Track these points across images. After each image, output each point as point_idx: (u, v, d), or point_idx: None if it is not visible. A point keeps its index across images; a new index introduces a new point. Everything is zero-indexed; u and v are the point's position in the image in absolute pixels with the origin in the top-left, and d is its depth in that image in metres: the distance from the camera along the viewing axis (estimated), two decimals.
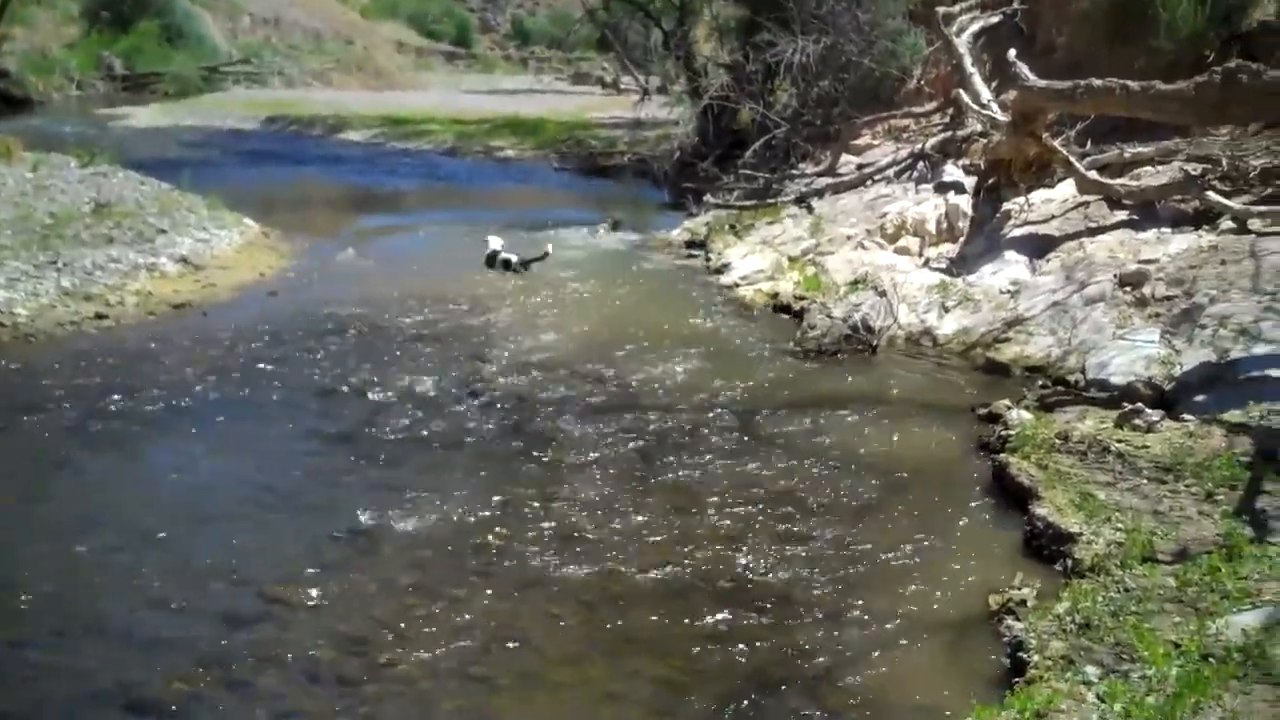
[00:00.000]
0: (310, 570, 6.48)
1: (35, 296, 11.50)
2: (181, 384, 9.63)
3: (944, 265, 12.48)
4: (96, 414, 8.89)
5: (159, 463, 8.19)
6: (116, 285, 12.18)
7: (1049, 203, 12.74)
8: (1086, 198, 12.37)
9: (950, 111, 17.14)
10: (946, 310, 11.31)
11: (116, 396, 9.23)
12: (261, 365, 10.23)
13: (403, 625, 5.92)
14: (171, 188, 16.76)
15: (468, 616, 6.03)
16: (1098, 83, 11.31)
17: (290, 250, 15.28)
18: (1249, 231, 10.63)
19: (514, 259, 14.35)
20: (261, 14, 58.33)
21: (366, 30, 63.58)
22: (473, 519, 7.17)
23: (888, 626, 5.92)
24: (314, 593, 6.21)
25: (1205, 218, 11.20)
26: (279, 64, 52.32)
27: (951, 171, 14.79)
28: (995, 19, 17.42)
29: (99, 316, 11.44)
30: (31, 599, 6.12)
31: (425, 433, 8.65)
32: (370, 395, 9.47)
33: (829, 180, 16.91)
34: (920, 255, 13.15)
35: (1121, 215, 11.90)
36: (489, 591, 6.29)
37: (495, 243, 14.69)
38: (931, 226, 13.58)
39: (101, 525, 7.09)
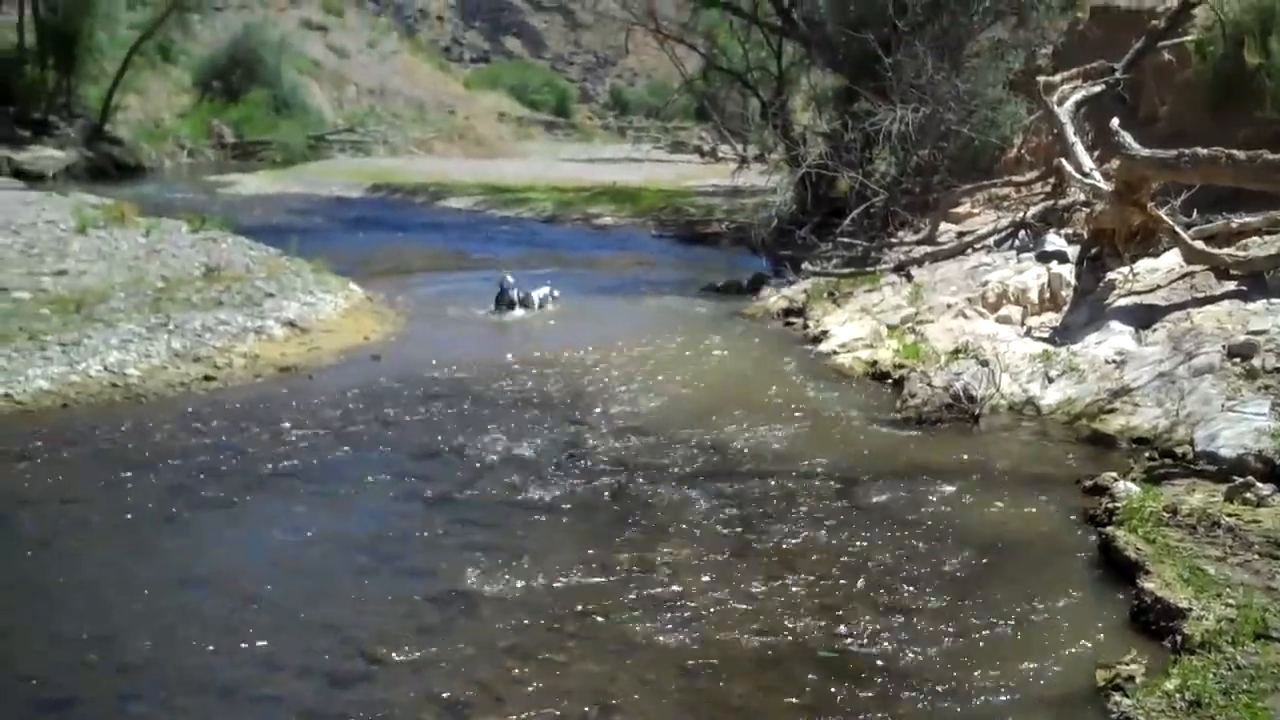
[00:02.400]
0: (411, 631, 6.53)
1: (147, 358, 11.78)
2: (286, 445, 9.80)
3: (1047, 334, 12.35)
4: (203, 473, 9.07)
5: (263, 522, 8.32)
6: (225, 347, 12.44)
7: (1154, 272, 12.57)
8: (1193, 268, 12.19)
9: (1052, 180, 17.02)
10: (1050, 380, 11.17)
11: (223, 456, 9.42)
12: (364, 427, 10.38)
13: (501, 688, 5.93)
14: (279, 253, 17.12)
15: (565, 681, 6.02)
16: (1203, 152, 11.19)
17: (394, 315, 15.51)
18: None
19: (525, 295, 15.67)
20: (367, 84, 59.71)
21: (468, 100, 64.78)
22: (571, 583, 7.18)
23: (992, 700, 5.81)
24: (415, 654, 6.25)
25: None
26: (383, 133, 53.43)
27: (1054, 240, 14.65)
28: (1097, 88, 17.28)
29: (208, 378, 11.68)
30: (136, 654, 6.22)
31: (524, 496, 8.70)
32: (470, 458, 9.56)
33: (928, 248, 16.84)
34: (1022, 324, 13.02)
35: (1229, 285, 11.70)
36: (586, 656, 6.28)
37: (508, 282, 15.82)
38: (1034, 295, 13.46)
39: (205, 582, 7.22)
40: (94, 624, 6.56)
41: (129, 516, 8.19)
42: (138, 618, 6.65)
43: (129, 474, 8.94)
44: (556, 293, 16.66)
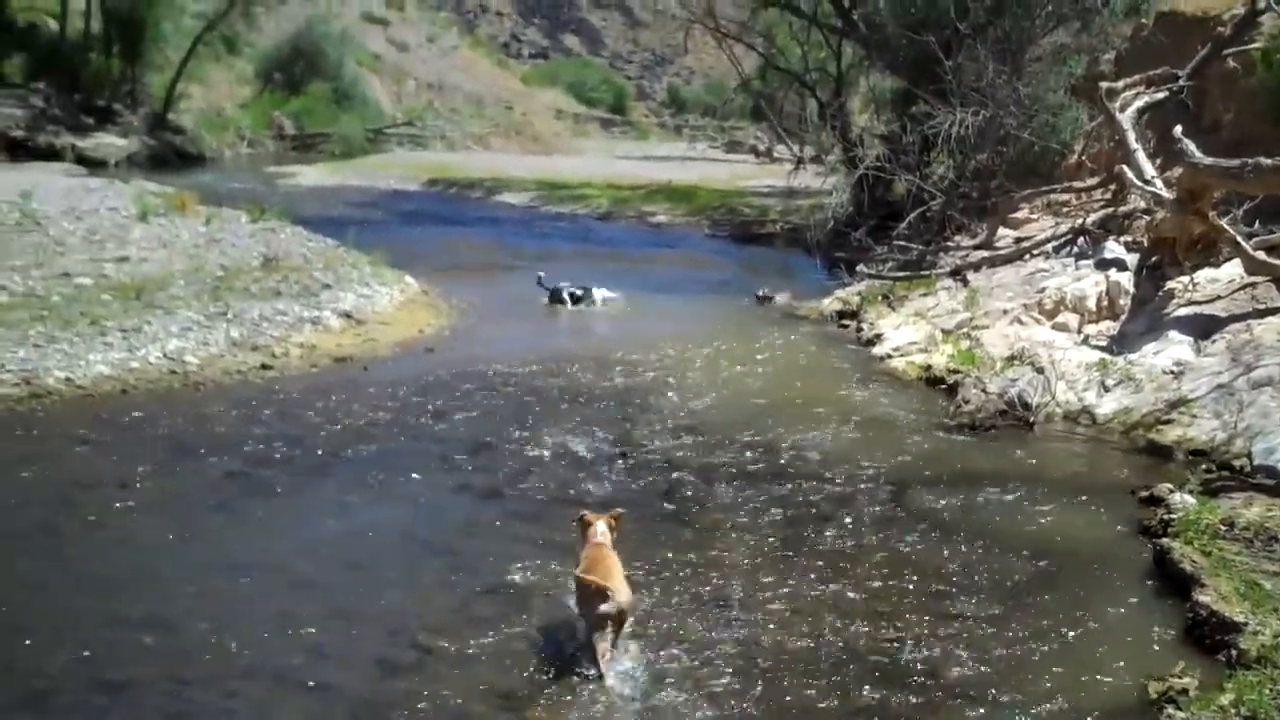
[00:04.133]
0: (461, 622, 6.58)
1: (205, 346, 11.91)
2: (340, 435, 9.88)
3: (1104, 343, 12.25)
4: (258, 461, 9.17)
5: (316, 510, 8.39)
6: (282, 337, 12.56)
7: (1214, 283, 12.44)
8: (1254, 279, 12.05)
9: (1112, 187, 16.86)
10: (1106, 389, 11.07)
11: (278, 445, 9.51)
12: (418, 419, 10.45)
13: (552, 684, 5.95)
14: (336, 244, 17.27)
15: (614, 679, 6.03)
16: (1267, 162, 11.06)
17: (448, 308, 15.60)
18: None
19: (584, 291, 16.01)
20: (426, 78, 60.07)
21: (526, 96, 65.03)
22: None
23: (1042, 710, 5.78)
24: (464, 645, 6.29)
25: None
26: (441, 127, 53.76)
27: (1113, 248, 14.53)
28: (1160, 95, 17.11)
29: (264, 367, 11.80)
30: (191, 638, 6.29)
31: (575, 492, 8.73)
32: (523, 453, 9.61)
33: (985, 253, 16.71)
34: (1079, 332, 12.92)
35: None
36: (637, 654, 6.28)
37: (558, 281, 16.26)
38: (1091, 303, 13.35)
39: (259, 569, 7.30)
40: (150, 607, 6.65)
41: (185, 502, 8.29)
42: (193, 602, 6.73)
43: (186, 460, 9.05)
44: (614, 294, 16.76)
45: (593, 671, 5.94)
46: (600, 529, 6.58)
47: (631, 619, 6.29)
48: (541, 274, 16.51)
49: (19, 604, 6.61)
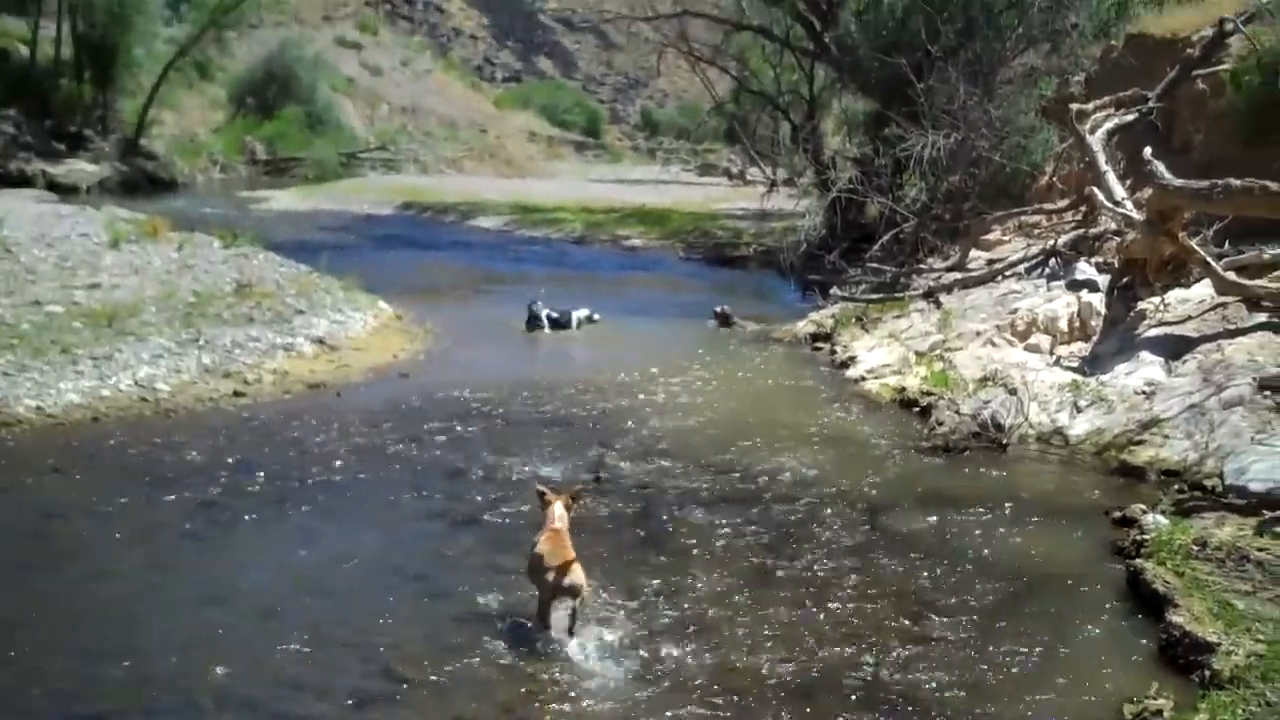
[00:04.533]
0: (434, 651, 6.54)
1: (177, 373, 11.86)
2: (313, 463, 9.84)
3: (1076, 364, 12.30)
4: (230, 490, 9.12)
5: (289, 539, 8.34)
6: (255, 364, 12.51)
7: (1185, 303, 12.51)
8: (1224, 299, 12.13)
9: (1083, 209, 16.95)
10: (1079, 410, 11.11)
11: (250, 473, 9.47)
12: (391, 446, 10.41)
13: (524, 710, 5.95)
14: (309, 270, 17.20)
15: (589, 704, 6.03)
16: (1236, 183, 11.14)
17: (423, 333, 15.57)
18: None
19: (563, 315, 16.14)
20: (399, 102, 60.06)
21: (499, 119, 65.08)
22: (596, 606, 7.16)
23: None
24: (438, 674, 6.26)
25: None
26: (414, 151, 53.80)
27: (1084, 269, 14.60)
28: (1130, 117, 17.22)
29: (237, 394, 11.75)
30: (162, 670, 6.25)
31: None
32: (497, 479, 9.59)
33: (958, 275, 16.77)
34: (1051, 353, 12.97)
35: (1261, 317, 11.65)
36: (611, 681, 6.28)
37: (537, 305, 16.22)
38: (1063, 324, 13.40)
39: (230, 599, 7.25)
40: (121, 638, 6.60)
41: (157, 532, 8.24)
42: (164, 633, 6.68)
43: (157, 489, 9.00)
44: (596, 315, 16.80)
45: (554, 644, 6.55)
46: (558, 511, 6.99)
47: (585, 595, 6.76)
48: (537, 302, 16.55)
49: None
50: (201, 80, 48.55)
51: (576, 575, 6.66)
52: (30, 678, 6.08)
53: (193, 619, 6.90)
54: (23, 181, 33.01)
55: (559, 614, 6.68)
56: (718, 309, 17.42)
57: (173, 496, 8.87)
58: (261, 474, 9.45)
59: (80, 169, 35.96)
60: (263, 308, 14.43)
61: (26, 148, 35.48)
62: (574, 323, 16.40)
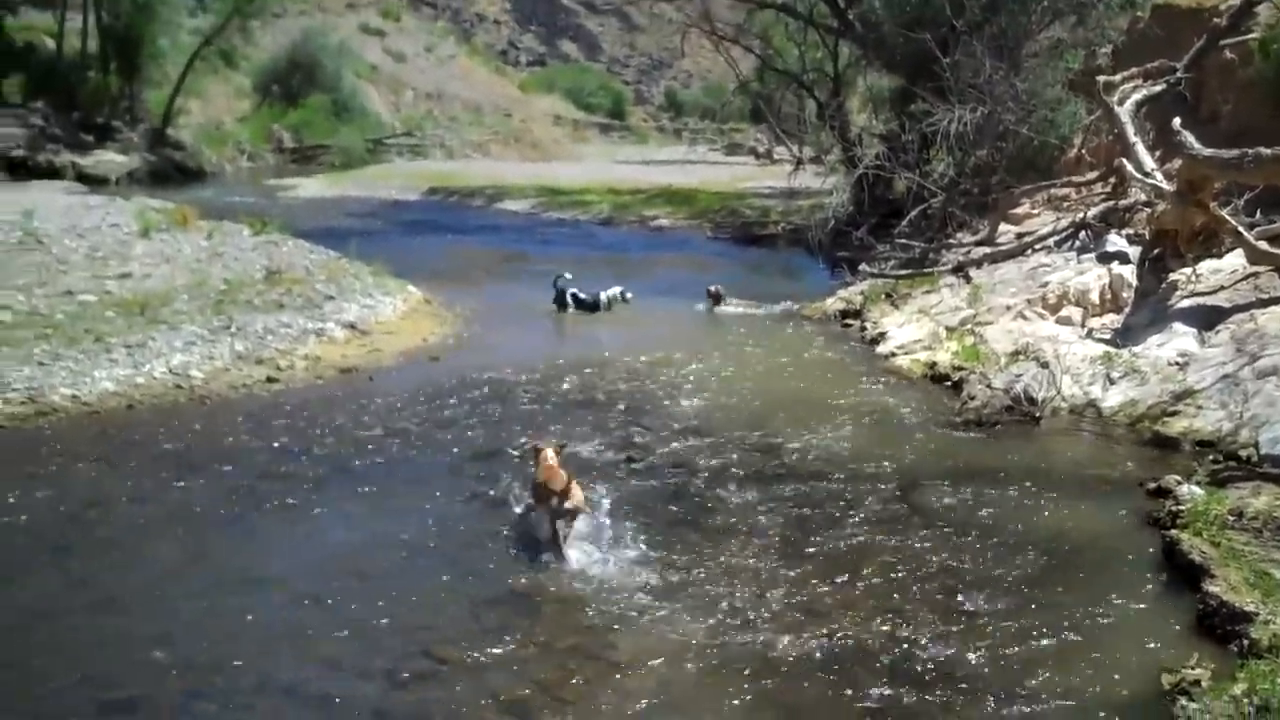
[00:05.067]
0: (472, 632, 6.58)
1: (210, 360, 11.92)
2: (347, 447, 9.88)
3: (1108, 336, 12.25)
4: (265, 474, 9.16)
5: (324, 523, 8.38)
6: (286, 350, 12.56)
7: (1217, 273, 12.43)
8: (1256, 268, 12.05)
9: (1112, 181, 16.86)
10: (1111, 382, 11.06)
11: (285, 458, 9.52)
12: (424, 429, 10.45)
13: (562, 689, 5.97)
14: (338, 256, 17.26)
15: (625, 682, 6.05)
16: (1266, 152, 11.06)
17: (452, 317, 15.60)
18: None
19: (594, 296, 16.11)
20: (424, 88, 60.13)
21: (524, 103, 65.06)
22: (630, 584, 7.20)
23: (1055, 705, 5.78)
24: (476, 654, 6.29)
25: None
26: (440, 136, 53.81)
27: (1115, 241, 14.52)
28: (1158, 88, 17.09)
29: (270, 380, 11.80)
30: (201, 654, 6.30)
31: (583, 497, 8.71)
32: (529, 459, 9.58)
33: (987, 249, 16.74)
34: (1083, 326, 12.91)
35: None
36: (647, 658, 6.30)
37: (565, 280, 16.25)
38: (1095, 297, 13.34)
39: (268, 583, 7.29)
40: (159, 624, 6.65)
41: (193, 517, 8.29)
42: (202, 618, 6.73)
43: (193, 475, 9.05)
44: (629, 294, 16.71)
45: (558, 557, 7.53)
46: (549, 454, 7.80)
47: (583, 514, 7.82)
48: (566, 275, 16.66)
49: (29, 623, 6.62)
50: (227, 69, 48.71)
51: (577, 496, 7.74)
52: (70, 663, 6.13)
53: (230, 603, 6.94)
54: (52, 173, 33.28)
55: (563, 528, 7.63)
56: (711, 288, 17.09)
57: (208, 482, 8.93)
58: (296, 459, 9.50)
59: (109, 160, 36.13)
60: (293, 294, 14.49)
61: (55, 140, 35.66)
62: (603, 302, 16.36)
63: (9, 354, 11.12)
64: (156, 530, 8.04)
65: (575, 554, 7.56)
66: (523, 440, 8.74)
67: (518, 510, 8.28)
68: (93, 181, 32.85)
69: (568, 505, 7.63)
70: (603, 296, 16.46)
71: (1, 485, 8.68)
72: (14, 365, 10.89)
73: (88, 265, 15.26)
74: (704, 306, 16.91)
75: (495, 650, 6.34)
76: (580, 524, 7.78)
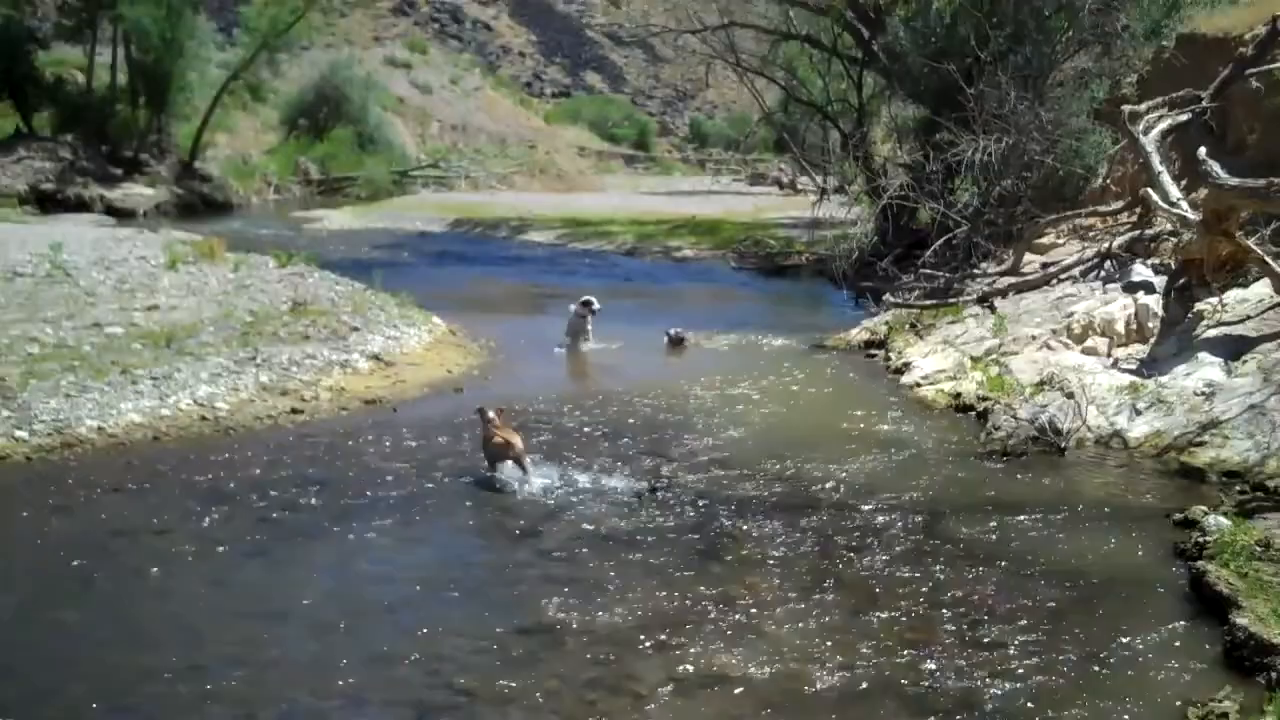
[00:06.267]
0: (496, 664, 6.58)
1: (235, 391, 11.97)
2: (371, 478, 9.91)
3: (1134, 366, 12.20)
4: (290, 506, 9.20)
5: (349, 555, 8.39)
6: (312, 381, 12.60)
7: (1243, 303, 12.38)
8: None
9: (1138, 210, 16.82)
10: (1138, 412, 11.01)
11: (310, 489, 9.55)
12: (448, 461, 10.46)
13: None
14: (364, 287, 17.31)
15: (649, 714, 6.04)
16: None
17: (477, 348, 15.63)
18: None
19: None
20: (449, 120, 60.42)
21: (549, 134, 65.30)
22: (653, 615, 7.20)
23: None
24: (500, 686, 6.29)
25: None
26: (465, 168, 53.98)
27: (1140, 271, 14.48)
28: (1184, 117, 17.09)
29: (294, 411, 11.84)
30: (226, 685, 6.32)
31: (606, 529, 8.73)
32: (553, 491, 9.61)
33: (1012, 279, 16.71)
34: (1109, 356, 12.87)
35: None
36: (670, 689, 6.29)
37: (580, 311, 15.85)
38: (1120, 327, 13.30)
39: (293, 614, 7.32)
40: (185, 654, 6.67)
41: (218, 548, 8.32)
42: (227, 649, 6.76)
43: (218, 506, 9.08)
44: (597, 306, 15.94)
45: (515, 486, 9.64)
46: (493, 415, 10.06)
47: (526, 459, 9.78)
48: (580, 307, 16.08)
49: (56, 654, 6.64)
50: (254, 102, 48.98)
51: (517, 442, 9.82)
52: (96, 693, 6.16)
53: (255, 634, 6.98)
54: (81, 206, 33.52)
55: (508, 468, 9.79)
56: (670, 331, 16.26)
57: (233, 513, 8.96)
58: (320, 491, 9.53)
59: (137, 193, 36.39)
60: (318, 325, 14.54)
61: (84, 173, 35.93)
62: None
63: (37, 386, 11.19)
64: (182, 561, 8.08)
65: (538, 484, 9.67)
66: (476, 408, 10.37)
67: (484, 471, 9.94)
68: (121, 214, 33.10)
69: (512, 452, 9.76)
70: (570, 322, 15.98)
71: (29, 517, 8.76)
72: (41, 397, 10.96)
73: (115, 297, 15.36)
74: (665, 342, 16.17)
75: (518, 682, 6.34)
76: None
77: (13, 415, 10.57)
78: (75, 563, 7.97)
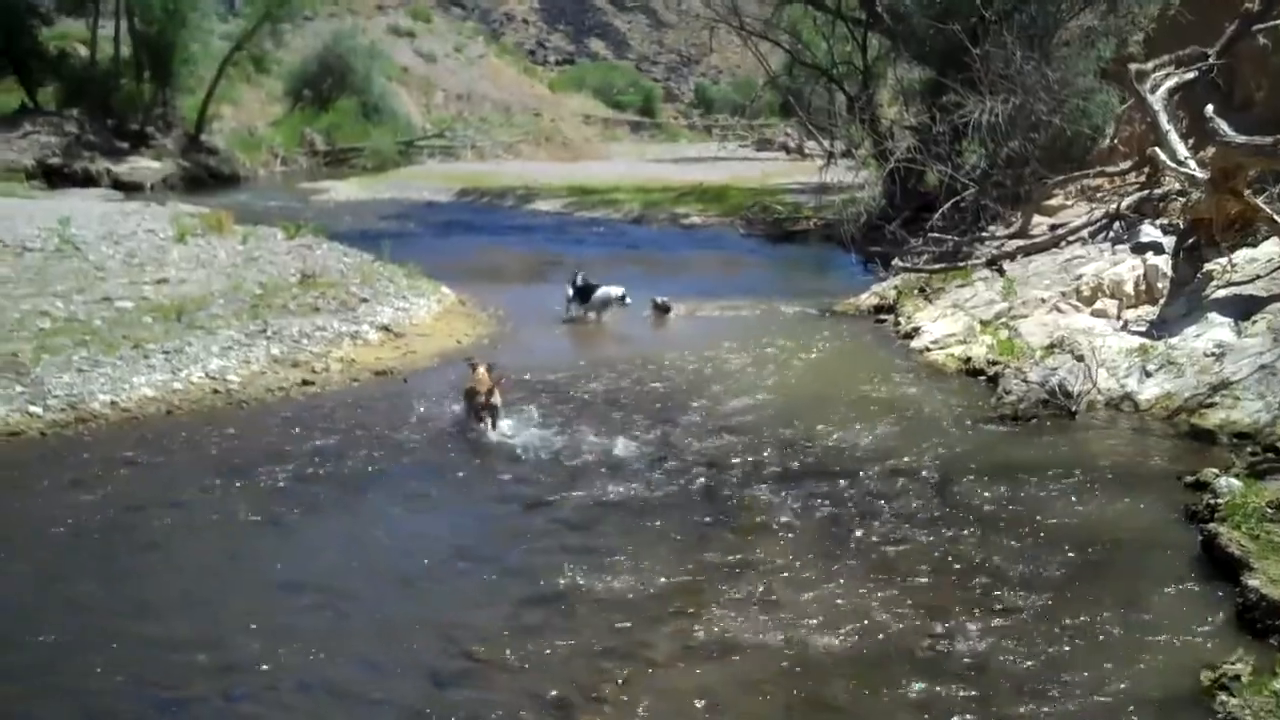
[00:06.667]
0: (509, 631, 6.62)
1: (247, 364, 12.01)
2: (383, 448, 9.95)
3: (1143, 328, 12.18)
4: (303, 477, 9.24)
5: (362, 524, 8.45)
6: (322, 353, 12.63)
7: (1253, 262, 12.34)
8: None
9: (1146, 170, 16.76)
10: (1148, 374, 11.00)
11: (322, 460, 9.59)
12: (459, 430, 10.50)
13: (599, 689, 6.00)
14: (372, 258, 17.33)
15: (663, 681, 6.08)
16: None
17: (486, 317, 15.65)
18: None
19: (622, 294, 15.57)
20: (454, 89, 60.17)
21: (554, 103, 64.97)
22: (666, 583, 7.23)
23: (1094, 700, 5.77)
24: (514, 654, 6.33)
25: None
26: (470, 137, 53.72)
27: (1149, 231, 14.44)
28: (1190, 75, 17.00)
29: (305, 383, 11.87)
30: (243, 655, 6.37)
31: (618, 497, 8.76)
32: (564, 459, 9.64)
33: (1020, 242, 16.67)
34: (1118, 318, 12.85)
35: None
36: (684, 656, 6.34)
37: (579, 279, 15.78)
38: (1129, 288, 13.27)
39: (308, 584, 7.37)
40: (202, 626, 6.73)
41: (233, 520, 8.37)
42: (244, 619, 6.80)
43: (231, 478, 9.12)
44: (629, 298, 15.67)
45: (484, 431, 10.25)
46: (481, 370, 10.60)
47: (501, 409, 10.35)
48: (579, 276, 15.92)
49: (73, 626, 6.70)
50: (258, 74, 48.81)
51: (495, 397, 10.33)
52: (113, 666, 6.21)
53: (271, 605, 7.04)
54: (88, 180, 33.44)
55: (486, 419, 10.28)
56: (656, 299, 16.15)
57: (247, 485, 9.00)
58: (333, 462, 9.57)
59: (144, 166, 36.32)
60: (328, 297, 14.56)
61: (90, 147, 35.86)
62: (597, 301, 15.69)
63: (49, 361, 11.22)
64: (196, 533, 8.14)
65: (495, 435, 10.22)
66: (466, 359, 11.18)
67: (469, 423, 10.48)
68: (128, 188, 33.02)
69: (492, 401, 10.32)
70: (597, 296, 15.70)
71: (44, 491, 8.81)
72: (54, 372, 11.00)
73: (125, 272, 15.39)
74: (648, 315, 16.04)
75: (533, 650, 6.38)
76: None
77: (26, 390, 10.62)
78: (91, 536, 8.02)
